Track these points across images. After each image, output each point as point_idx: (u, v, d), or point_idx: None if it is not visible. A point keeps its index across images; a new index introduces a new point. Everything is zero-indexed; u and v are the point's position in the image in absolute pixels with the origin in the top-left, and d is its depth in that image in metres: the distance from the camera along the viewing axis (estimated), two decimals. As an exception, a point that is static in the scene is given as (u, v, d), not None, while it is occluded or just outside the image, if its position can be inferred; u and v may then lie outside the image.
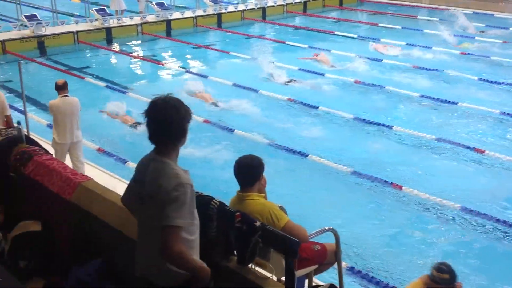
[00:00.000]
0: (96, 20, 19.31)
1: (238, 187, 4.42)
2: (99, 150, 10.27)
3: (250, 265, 3.82)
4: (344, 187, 8.95)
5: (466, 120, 11.67)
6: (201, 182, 5.18)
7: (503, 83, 13.70)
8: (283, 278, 3.84)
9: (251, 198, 4.32)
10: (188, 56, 17.82)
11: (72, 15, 21.97)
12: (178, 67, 16.12)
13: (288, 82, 14.11)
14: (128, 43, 19.25)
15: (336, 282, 4.68)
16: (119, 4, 20.30)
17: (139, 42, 19.69)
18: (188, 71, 15.19)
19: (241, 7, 22.49)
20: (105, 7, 20.24)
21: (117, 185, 7.25)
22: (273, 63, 15.67)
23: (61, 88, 8.66)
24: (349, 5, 25.12)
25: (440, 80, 14.22)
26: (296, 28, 21.16)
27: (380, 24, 20.75)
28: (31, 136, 7.02)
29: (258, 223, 3.67)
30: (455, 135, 10.76)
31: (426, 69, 14.91)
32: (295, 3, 23.71)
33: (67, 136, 8.57)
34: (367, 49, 17.12)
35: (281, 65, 15.54)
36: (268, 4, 22.93)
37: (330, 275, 5.20)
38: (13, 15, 19.69)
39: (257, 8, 22.62)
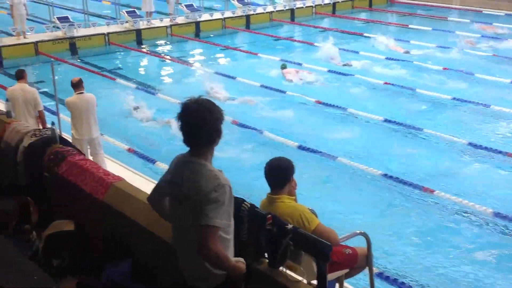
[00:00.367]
0: (126, 22, 19.54)
1: (267, 189, 4.42)
2: (129, 150, 10.37)
3: (280, 268, 3.81)
4: (374, 190, 8.87)
5: (498, 124, 11.46)
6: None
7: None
8: (313, 282, 3.82)
9: (282, 201, 4.31)
10: (216, 57, 17.90)
11: (103, 17, 22.30)
12: (207, 68, 16.20)
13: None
14: (158, 45, 19.44)
15: (366, 286, 4.64)
16: (150, 6, 20.52)
17: (168, 43, 19.85)
18: (216, 72, 15.25)
19: (270, 8, 22.50)
20: (135, 9, 20.47)
21: (148, 185, 7.30)
22: (301, 64, 15.67)
23: (77, 86, 8.94)
24: (378, 6, 24.93)
25: (472, 82, 14.01)
26: (325, 29, 21.08)
27: (410, 26, 20.54)
28: (64, 137, 7.13)
29: (289, 226, 3.66)
30: (487, 139, 10.58)
31: (457, 71, 14.69)
32: (324, 4, 23.63)
33: (84, 132, 8.84)
34: (396, 50, 16.98)
35: (310, 66, 15.53)
36: (297, 6, 22.90)
37: (360, 280, 5.16)
38: (46, 17, 20.04)
39: (286, 9, 22.62)
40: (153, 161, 9.79)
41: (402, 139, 10.78)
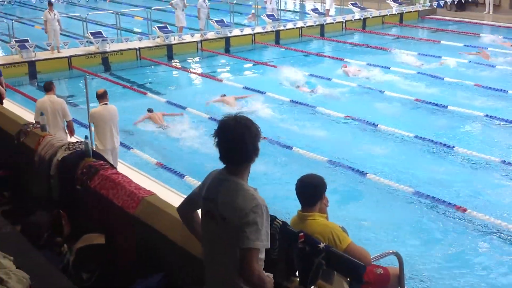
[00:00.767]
0: (158, 37, 19.80)
1: (297, 206, 4.38)
2: (157, 164, 10.43)
3: (312, 287, 3.76)
4: (405, 208, 8.74)
5: (533, 142, 11.24)
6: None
7: None
8: (345, 302, 3.77)
9: (313, 218, 4.27)
10: (246, 73, 17.98)
11: (135, 33, 22.65)
12: (236, 83, 16.27)
13: (312, 91, 14.29)
14: (188, 59, 19.62)
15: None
16: (183, 21, 20.78)
17: (199, 58, 20.03)
18: (246, 87, 15.31)
19: (300, 24, 22.54)
20: (167, 25, 20.72)
21: (179, 200, 7.32)
22: (330, 79, 15.62)
23: (102, 97, 9.21)
24: (409, 22, 24.77)
25: (504, 99, 13.77)
26: (355, 45, 21.01)
27: (442, 41, 20.35)
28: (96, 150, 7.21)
29: (321, 245, 3.61)
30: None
31: (490, 88, 14.47)
32: (354, 20, 23.58)
33: (108, 142, 9.09)
34: (427, 66, 16.83)
35: (339, 81, 15.48)
36: (327, 22, 22.91)
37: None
38: (80, 32, 20.44)
39: (316, 25, 22.63)
40: (181, 175, 9.83)
41: (433, 156, 10.63)
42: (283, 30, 21.76)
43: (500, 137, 11.53)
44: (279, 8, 26.02)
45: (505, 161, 10.07)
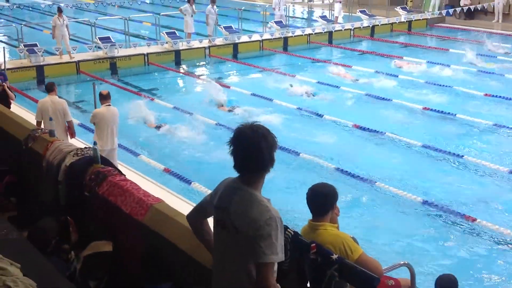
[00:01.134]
0: (166, 42, 19.81)
1: (307, 216, 4.32)
2: (165, 170, 10.39)
3: (323, 298, 3.70)
4: (414, 217, 8.66)
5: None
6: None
7: None
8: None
9: (324, 228, 4.20)
10: (253, 79, 17.94)
11: (143, 38, 22.68)
12: (243, 89, 16.23)
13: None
14: (196, 65, 19.62)
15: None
16: (191, 27, 20.80)
17: (206, 64, 20.02)
18: (253, 94, 15.27)
19: (308, 31, 22.52)
20: (175, 31, 20.74)
21: (186, 207, 7.27)
22: (338, 87, 15.57)
23: (105, 98, 9.50)
24: (418, 30, 24.71)
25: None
26: (363, 52, 20.96)
27: (450, 50, 20.27)
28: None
29: (334, 256, 3.55)
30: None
31: (500, 97, 14.38)
32: (363, 27, 23.55)
33: (108, 142, 9.37)
34: (436, 74, 16.75)
35: (346, 89, 15.43)
36: (336, 29, 22.88)
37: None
38: (88, 37, 20.48)
39: (324, 32, 22.60)
40: (189, 182, 9.78)
41: (441, 165, 10.55)
42: (291, 36, 21.75)
43: (508, 145, 11.45)
44: (287, 14, 26.04)
45: (514, 171, 9.99)
